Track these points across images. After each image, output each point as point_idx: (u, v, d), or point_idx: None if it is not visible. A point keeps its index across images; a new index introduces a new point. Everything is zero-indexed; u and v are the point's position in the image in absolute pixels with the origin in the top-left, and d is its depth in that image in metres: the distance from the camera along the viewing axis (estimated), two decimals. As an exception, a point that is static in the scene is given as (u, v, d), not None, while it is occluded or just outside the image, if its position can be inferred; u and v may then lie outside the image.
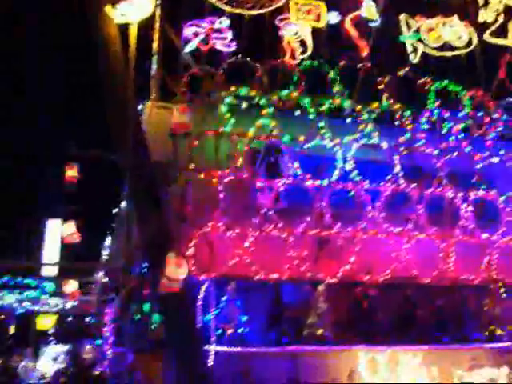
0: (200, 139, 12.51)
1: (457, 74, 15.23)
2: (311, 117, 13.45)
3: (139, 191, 11.39)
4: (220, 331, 11.61)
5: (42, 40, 21.20)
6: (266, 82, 13.49)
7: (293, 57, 14.09)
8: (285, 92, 13.45)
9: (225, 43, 13.53)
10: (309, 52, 14.35)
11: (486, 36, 16.17)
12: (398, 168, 13.80)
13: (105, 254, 17.57)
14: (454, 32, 15.71)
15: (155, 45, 13.87)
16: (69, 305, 21.17)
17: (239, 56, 13.53)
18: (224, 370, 11.13)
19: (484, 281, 13.68)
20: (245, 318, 11.91)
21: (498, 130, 15.12)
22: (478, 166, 14.56)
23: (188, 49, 13.46)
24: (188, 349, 10.78)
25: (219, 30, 13.52)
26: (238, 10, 14.09)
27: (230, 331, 11.69)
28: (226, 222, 12.06)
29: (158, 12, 13.75)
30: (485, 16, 16.15)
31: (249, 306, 12.03)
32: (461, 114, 14.86)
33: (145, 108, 13.36)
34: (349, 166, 13.44)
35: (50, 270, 23.21)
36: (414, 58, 15.39)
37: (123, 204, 15.04)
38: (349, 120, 13.92)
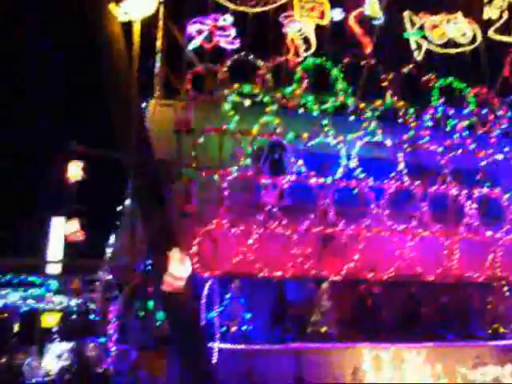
0: (204, 137, 12.52)
1: (461, 71, 15.18)
2: (315, 114, 13.45)
3: (143, 189, 11.36)
4: (224, 328, 11.65)
5: (42, 40, 21.20)
6: (269, 79, 13.47)
7: (296, 54, 14.07)
8: (288, 90, 13.44)
9: (228, 41, 13.51)
10: (312, 49, 14.31)
11: (491, 33, 16.11)
12: (401, 165, 13.81)
13: (109, 251, 17.58)
14: (458, 29, 15.64)
15: (159, 43, 13.89)
16: (73, 302, 21.20)
17: (243, 53, 13.50)
18: (228, 367, 11.15)
19: (488, 278, 13.68)
20: (249, 316, 11.94)
21: (503, 127, 15.10)
22: (483, 164, 14.54)
23: (191, 46, 13.44)
24: (192, 346, 10.77)
25: (223, 28, 13.49)
26: (241, 8, 14.07)
27: (233, 328, 11.72)
28: (230, 219, 12.08)
29: (162, 10, 13.76)
30: (489, 13, 16.08)
31: (253, 304, 12.05)
32: (465, 112, 14.84)
33: (148, 106, 13.39)
34: (353, 163, 13.44)
35: (54, 268, 23.24)
36: (418, 55, 15.33)
37: (127, 202, 15.04)
38: (352, 118, 13.89)
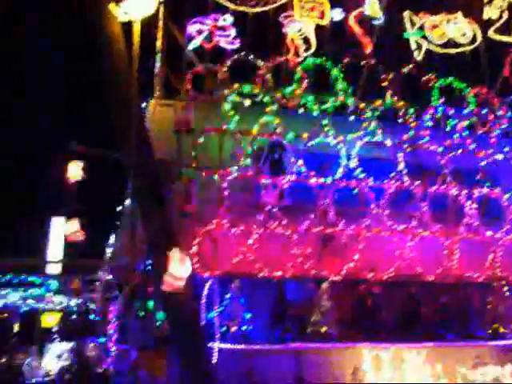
0: (204, 137, 12.52)
1: (461, 71, 15.17)
2: (315, 114, 13.45)
3: (143, 189, 11.36)
4: (224, 328, 11.65)
5: (42, 40, 21.19)
6: (269, 79, 13.46)
7: (296, 54, 14.07)
8: (288, 90, 13.44)
9: (228, 41, 13.50)
10: (312, 49, 14.31)
11: (491, 33, 16.10)
12: (401, 165, 13.81)
13: (109, 251, 17.58)
14: (458, 29, 15.64)
15: (159, 43, 13.90)
16: (73, 302, 21.20)
17: (243, 53, 13.50)
18: (228, 368, 11.15)
19: (488, 278, 13.69)
20: (249, 316, 11.94)
21: (503, 127, 15.09)
22: (483, 164, 14.54)
23: (191, 46, 13.43)
24: (192, 346, 10.77)
25: (223, 28, 13.49)
26: (241, 8, 14.07)
27: (233, 328, 11.72)
28: (230, 219, 12.08)
29: (162, 10, 13.75)
30: (489, 13, 16.07)
31: (253, 304, 12.05)
32: (465, 112, 14.83)
33: (148, 106, 13.38)
34: (353, 163, 13.43)
35: (54, 268, 23.25)
36: (418, 55, 15.32)
37: (127, 202, 15.04)
38: (352, 117, 13.89)
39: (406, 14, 15.50)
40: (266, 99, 13.15)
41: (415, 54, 15.34)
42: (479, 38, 15.90)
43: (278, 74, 13.80)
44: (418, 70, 14.93)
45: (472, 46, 15.78)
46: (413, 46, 15.38)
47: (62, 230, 23.99)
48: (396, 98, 14.25)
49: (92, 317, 20.47)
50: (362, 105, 13.86)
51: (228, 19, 13.65)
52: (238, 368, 11.23)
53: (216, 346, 11.30)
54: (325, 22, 14.51)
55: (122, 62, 11.56)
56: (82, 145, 16.00)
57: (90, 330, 19.20)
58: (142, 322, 13.86)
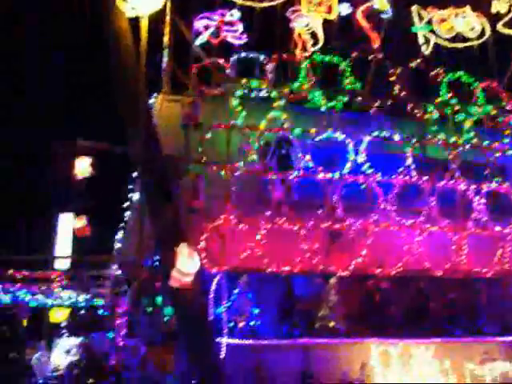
0: (211, 132, 12.52)
1: (469, 66, 15.09)
2: (322, 109, 13.42)
3: (151, 185, 11.40)
4: (232, 324, 11.64)
5: (42, 40, 21.22)
6: (276, 74, 13.44)
7: (304, 49, 14.02)
8: (296, 85, 13.41)
9: (236, 36, 13.48)
10: (320, 44, 14.26)
11: (499, 27, 15.98)
12: (409, 160, 13.75)
13: (117, 247, 17.64)
14: (466, 23, 15.53)
15: (166, 38, 13.86)
16: (81, 298, 21.29)
17: (250, 49, 13.47)
18: (236, 363, 11.17)
19: (497, 273, 13.61)
20: (256, 311, 11.94)
21: (512, 122, 15.00)
22: (491, 159, 14.46)
23: (199, 42, 13.43)
24: (200, 341, 10.81)
25: (230, 23, 13.47)
26: (248, 3, 14.02)
27: (241, 324, 11.73)
28: (238, 214, 12.07)
29: (169, 5, 13.72)
30: (498, 7, 15.94)
31: (260, 299, 12.05)
32: (473, 106, 14.75)
33: (156, 101, 13.38)
34: (360, 158, 13.40)
35: (62, 264, 23.37)
36: (426, 50, 15.24)
37: (135, 197, 15.09)
38: (360, 112, 13.85)
39: (414, 8, 15.40)
40: (274, 94, 13.14)
41: (423, 48, 15.25)
42: (488, 32, 15.80)
43: (286, 69, 13.77)
44: (426, 64, 14.85)
45: (480, 40, 15.68)
46: (421, 40, 15.29)
47: (70, 226, 24.18)
48: (404, 93, 14.18)
49: (100, 312, 20.57)
50: (370, 99, 13.80)
51: (235, 14, 13.63)
52: (245, 363, 11.25)
53: (224, 341, 11.30)
54: (332, 16, 14.45)
55: (130, 58, 11.59)
56: (89, 141, 16.11)
57: (99, 325, 19.30)
58: (150, 317, 13.93)
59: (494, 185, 14.27)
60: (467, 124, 14.59)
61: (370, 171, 13.35)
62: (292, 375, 11.38)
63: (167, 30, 13.83)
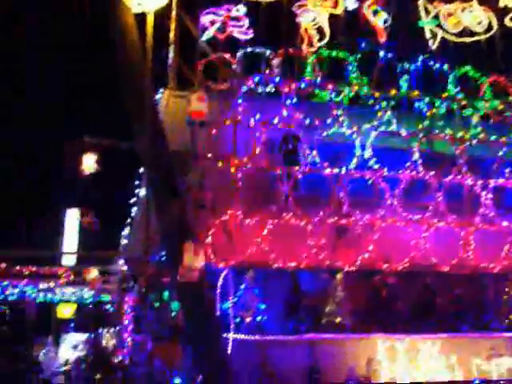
0: (217, 127, 12.52)
1: (476, 60, 15.01)
2: (329, 104, 13.38)
3: (157, 180, 11.41)
4: (238, 319, 11.65)
5: (42, 40, 21.23)
6: (282, 69, 13.41)
7: (310, 44, 13.96)
8: (303, 79, 13.38)
9: (242, 31, 13.45)
10: (326, 39, 14.20)
11: (507, 21, 15.85)
12: (416, 155, 13.70)
13: (123, 242, 17.68)
14: (473, 17, 15.42)
15: (172, 34, 13.85)
16: (88, 294, 21.37)
17: (256, 44, 13.45)
18: (242, 358, 11.17)
19: (504, 269, 13.56)
20: (263, 306, 11.94)
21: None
22: (499, 154, 14.40)
23: (205, 37, 13.40)
24: (207, 336, 10.82)
25: (236, 18, 13.44)
26: (254, -3, 13.97)
27: (248, 319, 11.73)
28: (244, 210, 12.07)
29: (175, 0, 13.71)
30: (505, 0, 15.82)
31: (267, 294, 12.05)
32: (480, 101, 14.68)
33: (162, 97, 13.38)
34: (367, 153, 13.36)
35: (69, 259, 23.46)
36: (433, 44, 15.16)
37: (141, 193, 15.11)
38: (367, 107, 13.80)
39: (421, 2, 15.28)
40: (281, 89, 13.13)
41: (430, 42, 15.17)
42: (495, 27, 15.68)
43: (292, 63, 13.73)
44: (433, 58, 14.78)
45: (488, 35, 15.57)
46: (428, 34, 15.21)
47: (76, 222, 24.27)
48: (411, 88, 14.14)
49: (108, 307, 20.66)
50: (377, 94, 13.76)
51: (241, 9, 13.59)
52: (252, 359, 11.27)
53: (230, 336, 11.32)
54: (338, 11, 14.37)
55: (136, 54, 11.60)
56: (96, 137, 16.14)
57: (106, 320, 19.39)
58: (157, 312, 13.95)
59: (501, 180, 14.22)
60: (474, 119, 14.54)
61: (376, 166, 13.32)
62: (298, 371, 11.38)
63: (173, 25, 13.82)
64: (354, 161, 13.24)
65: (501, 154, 14.41)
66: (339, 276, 12.50)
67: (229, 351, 11.20)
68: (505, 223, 13.86)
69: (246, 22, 13.52)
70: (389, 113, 13.69)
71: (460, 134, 14.17)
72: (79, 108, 24.09)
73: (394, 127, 13.66)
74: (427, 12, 15.30)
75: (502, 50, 15.49)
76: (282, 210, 12.38)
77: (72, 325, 21.33)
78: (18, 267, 19.23)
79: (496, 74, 15.05)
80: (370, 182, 13.30)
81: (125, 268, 17.33)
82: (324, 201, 12.78)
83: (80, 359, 16.50)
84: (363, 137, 13.39)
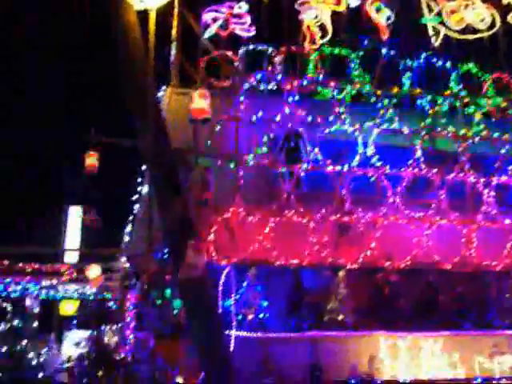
0: (220, 125, 12.52)
1: (479, 57, 14.98)
2: (332, 101, 13.37)
3: (160, 178, 11.40)
4: (240, 316, 11.69)
5: (42, 40, 21.24)
6: (284, 66, 13.40)
7: (312, 41, 13.94)
8: (305, 77, 13.37)
9: (244, 28, 13.43)
10: (329, 36, 14.17)
11: (510, 18, 15.79)
12: (419, 153, 13.69)
13: (126, 240, 17.70)
14: (476, 14, 15.35)
15: (174, 31, 13.84)
16: (90, 291, 21.38)
17: (258, 41, 13.43)
18: (244, 355, 11.20)
19: (506, 267, 13.56)
20: (265, 304, 11.97)
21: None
22: (502, 151, 14.38)
23: (207, 34, 13.39)
24: (209, 334, 10.83)
25: (238, 15, 13.42)
26: (256, -5, 13.95)
27: (250, 316, 11.76)
28: (247, 207, 12.08)
29: (177, -2, 13.69)
30: (508, -2, 15.77)
31: (269, 292, 12.08)
32: (483, 98, 14.65)
33: (164, 94, 13.38)
34: (369, 151, 13.36)
35: (71, 256, 23.49)
36: (436, 42, 15.12)
37: (144, 190, 15.11)
38: (369, 105, 13.79)
39: (424, -1, 15.28)
40: (283, 86, 13.12)
41: (433, 40, 15.13)
42: (498, 24, 15.62)
43: (295, 61, 13.71)
44: (436, 56, 14.74)
45: (491, 32, 15.51)
46: (430, 31, 15.16)
47: (79, 219, 24.31)
48: (413, 85, 14.12)
49: (110, 305, 20.67)
50: (379, 92, 13.74)
51: (243, 6, 13.56)
52: (254, 356, 11.30)
53: (232, 333, 11.34)
54: (341, 8, 14.30)
55: (138, 51, 11.55)
56: (99, 135, 16.12)
57: (108, 318, 19.41)
58: (160, 309, 13.95)
59: (503, 177, 14.20)
60: (477, 116, 14.53)
61: (378, 164, 13.32)
62: (300, 368, 11.40)
63: (175, 22, 13.80)
64: (357, 158, 13.24)
65: (503, 151, 14.41)
66: (341, 273, 12.52)
67: (231, 348, 11.23)
68: (507, 221, 13.85)
69: (248, 19, 13.48)
70: (391, 110, 13.69)
71: (462, 132, 14.16)
72: (79, 108, 24.20)
73: (396, 125, 13.65)
74: (430, 9, 15.23)
75: (505, 47, 15.45)
76: (285, 207, 12.38)
77: (74, 322, 21.34)
78: (20, 264, 19.23)
79: (499, 72, 15.03)
80: (372, 179, 13.31)
81: (127, 265, 17.35)
82: (326, 198, 12.79)
83: (82, 356, 16.51)
84: (365, 134, 13.40)
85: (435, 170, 13.65)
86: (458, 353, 12.32)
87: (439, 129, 14.05)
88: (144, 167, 14.50)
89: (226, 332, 11.27)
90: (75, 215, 24.59)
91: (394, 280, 12.79)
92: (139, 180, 15.45)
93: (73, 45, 21.24)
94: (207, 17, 13.44)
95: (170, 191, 10.98)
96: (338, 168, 12.99)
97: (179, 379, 11.47)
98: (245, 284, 11.91)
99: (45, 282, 20.03)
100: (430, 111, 14.10)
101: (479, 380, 12.18)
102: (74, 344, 19.49)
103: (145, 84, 11.35)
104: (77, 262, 22.67)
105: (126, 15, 11.73)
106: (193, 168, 12.21)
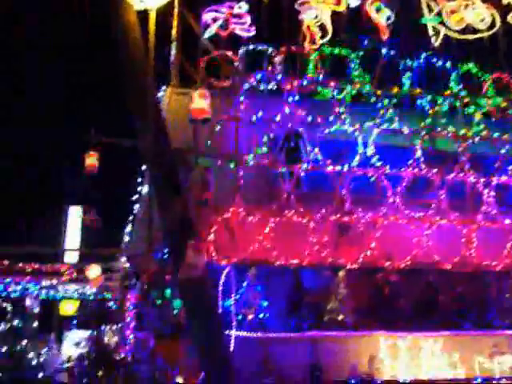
0: (220, 125, 12.52)
1: (479, 58, 14.98)
2: (332, 101, 13.37)
3: (160, 178, 11.40)
4: (240, 316, 11.69)
5: (42, 40, 21.24)
6: (284, 66, 13.41)
7: (312, 41, 13.94)
8: (305, 77, 13.37)
9: (244, 28, 13.43)
10: (329, 36, 14.17)
11: (510, 18, 15.79)
12: (419, 153, 13.70)
13: (126, 240, 17.70)
14: (476, 14, 15.35)
15: (174, 31, 13.84)
16: (90, 291, 21.38)
17: (258, 41, 13.43)
18: (244, 355, 11.20)
19: (506, 267, 13.56)
20: (265, 304, 11.97)
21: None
22: (502, 151, 14.38)
23: (207, 34, 13.39)
24: (209, 334, 10.83)
25: (238, 15, 13.42)
26: (256, -6, 13.95)
27: (250, 316, 11.76)
28: (247, 207, 12.08)
29: (177, -2, 13.70)
30: (508, -2, 15.77)
31: (269, 292, 12.08)
32: (483, 98, 14.65)
33: (164, 94, 13.38)
34: (369, 151, 13.36)
35: (71, 256, 23.49)
36: (436, 42, 15.12)
37: (144, 190, 15.11)
38: (369, 105, 13.79)
39: (424, -1, 15.27)
40: (283, 86, 13.12)
41: (433, 40, 15.12)
42: (498, 24, 15.61)
43: (295, 61, 13.72)
44: (436, 56, 14.74)
45: (491, 32, 15.51)
46: (430, 31, 15.16)
47: (79, 219, 24.31)
48: (413, 85, 14.12)
49: (110, 305, 20.67)
50: (379, 92, 13.74)
51: (243, 6, 13.56)
52: (254, 356, 11.30)
53: (232, 333, 11.34)
54: (341, 8, 14.30)
55: (138, 51, 11.56)
56: (99, 135, 16.13)
57: (108, 318, 19.40)
58: (160, 309, 13.95)
59: (503, 177, 14.20)
60: (477, 116, 14.53)
61: (378, 164, 13.32)
62: (300, 368, 11.41)
63: (175, 22, 13.80)
64: (357, 158, 13.24)
65: (503, 151, 14.41)
66: (341, 273, 12.52)
67: (231, 348, 11.23)
68: (507, 221, 13.85)
69: (248, 19, 13.48)
70: (391, 110, 13.69)
71: (462, 132, 14.17)
72: (79, 108, 24.20)
73: (396, 125, 13.66)
74: (430, 9, 15.22)
75: (505, 47, 15.44)
76: (285, 207, 12.39)
77: (74, 322, 21.34)
78: (20, 264, 19.24)
79: (499, 72, 15.03)
80: (372, 179, 13.31)
81: (127, 265, 17.35)
82: (326, 198, 12.79)
83: (82, 356, 16.50)
84: (365, 134, 13.41)
85: (435, 170, 13.65)
86: (458, 353, 12.32)
87: (439, 129, 14.05)
88: (144, 167, 14.50)
89: (226, 332, 11.27)
90: (75, 215, 24.58)
91: (394, 280, 12.80)
92: (139, 180, 15.45)
93: (73, 45, 21.25)
94: (207, 17, 13.44)
95: (170, 191, 10.99)
96: (338, 168, 12.99)
97: (179, 379, 11.46)
98: (245, 284, 11.91)
99: (45, 282, 20.02)
100: (430, 111, 14.10)
101: (479, 380, 12.18)
102: (74, 344, 19.48)
103: (145, 84, 11.35)
104: (77, 262, 22.66)
105: (126, 15, 11.73)
106: (193, 168, 12.21)
